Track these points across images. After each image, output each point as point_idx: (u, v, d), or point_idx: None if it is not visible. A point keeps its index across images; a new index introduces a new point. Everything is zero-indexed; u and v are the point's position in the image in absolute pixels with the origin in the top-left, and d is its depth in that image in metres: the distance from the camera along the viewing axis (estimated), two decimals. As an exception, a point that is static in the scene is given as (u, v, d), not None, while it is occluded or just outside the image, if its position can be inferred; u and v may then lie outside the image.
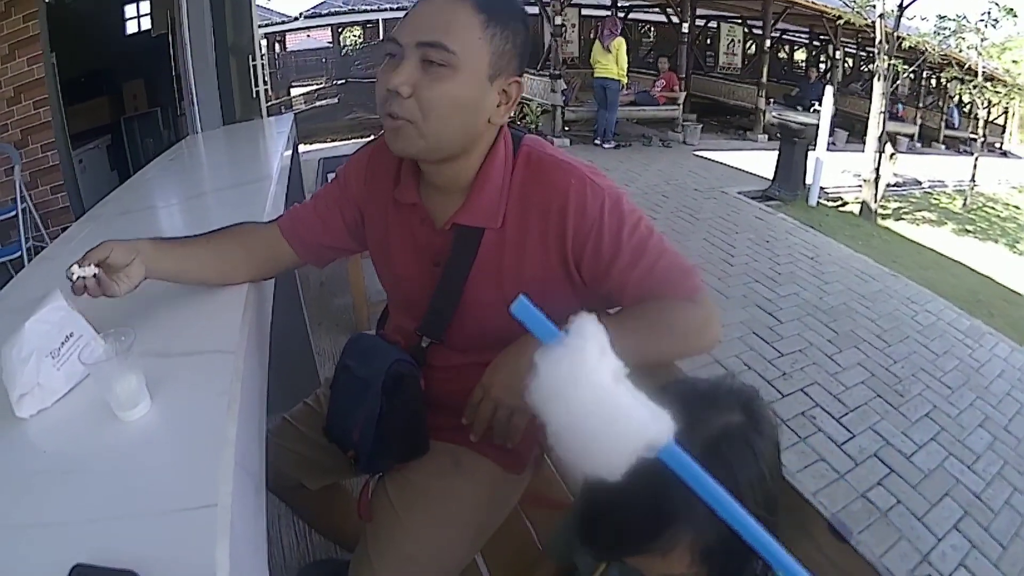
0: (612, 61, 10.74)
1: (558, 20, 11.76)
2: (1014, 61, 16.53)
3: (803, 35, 19.51)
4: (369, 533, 1.39)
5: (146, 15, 6.61)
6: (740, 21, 17.21)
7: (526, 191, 1.26)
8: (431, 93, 1.12)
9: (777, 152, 9.63)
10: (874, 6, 10.71)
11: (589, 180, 1.23)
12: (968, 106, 17.66)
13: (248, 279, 1.48)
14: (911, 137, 16.42)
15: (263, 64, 4.82)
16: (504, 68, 1.18)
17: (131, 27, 6.70)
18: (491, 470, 1.45)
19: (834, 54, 16.49)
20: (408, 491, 1.40)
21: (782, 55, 20.51)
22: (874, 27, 10.57)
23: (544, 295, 1.25)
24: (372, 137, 1.33)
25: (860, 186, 10.53)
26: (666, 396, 0.88)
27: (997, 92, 14.37)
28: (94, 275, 1.20)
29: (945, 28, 12.43)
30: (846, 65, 18.46)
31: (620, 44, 10.75)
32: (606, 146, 11.18)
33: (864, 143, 10.74)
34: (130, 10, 6.66)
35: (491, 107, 1.20)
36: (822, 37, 17.77)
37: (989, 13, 11.95)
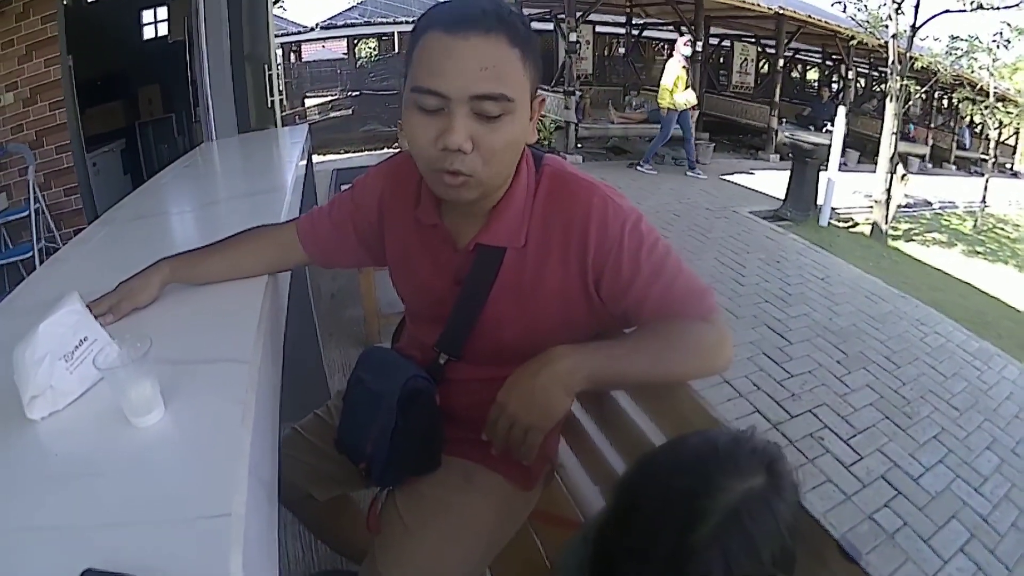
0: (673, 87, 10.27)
1: (573, 37, 11.72)
2: (1026, 81, 16.54)
3: (816, 55, 19.57)
4: (378, 545, 1.38)
5: (163, 21, 6.67)
6: (753, 40, 17.25)
7: (548, 209, 1.26)
8: (495, 143, 1.10)
9: (789, 172, 9.62)
10: (887, 26, 10.74)
11: (611, 200, 1.23)
12: (979, 127, 17.72)
13: (262, 273, 1.52)
14: (922, 158, 16.46)
15: (279, 74, 4.85)
16: (536, 89, 1.17)
17: (148, 32, 6.76)
18: (502, 486, 1.45)
19: (846, 74, 16.52)
20: (418, 504, 1.39)
21: (795, 74, 20.56)
22: (887, 47, 10.59)
23: (562, 311, 1.26)
24: (387, 151, 1.32)
25: (871, 207, 10.53)
26: (684, 454, 0.89)
27: (1008, 113, 14.42)
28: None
29: (957, 48, 12.46)
30: (858, 85, 18.49)
31: (668, 67, 10.34)
32: (689, 174, 10.87)
33: (876, 163, 10.74)
34: (148, 15, 6.72)
35: (529, 131, 1.19)
36: (835, 57, 17.85)
37: (1001, 34, 11.98)
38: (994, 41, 12.17)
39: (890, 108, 10.52)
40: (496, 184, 1.20)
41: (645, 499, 0.86)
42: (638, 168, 10.91)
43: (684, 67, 10.11)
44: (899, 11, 10.30)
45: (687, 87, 10.18)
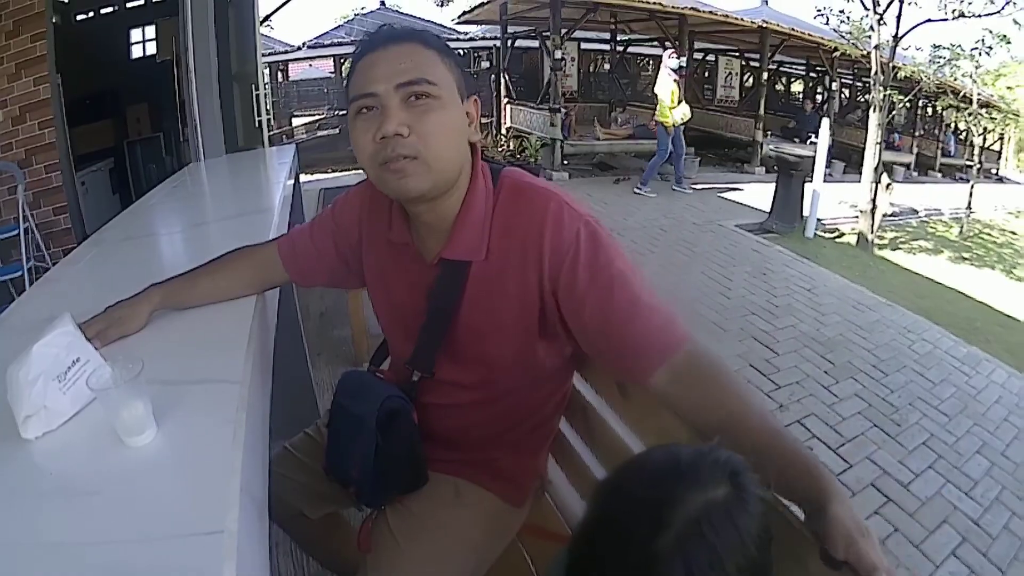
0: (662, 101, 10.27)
1: (558, 54, 11.76)
2: (1008, 87, 16.67)
3: (800, 67, 19.69)
4: (370, 563, 1.39)
5: (152, 40, 6.69)
6: (738, 54, 17.39)
7: (508, 219, 1.27)
8: (428, 124, 1.16)
9: (774, 184, 9.67)
10: (869, 37, 10.81)
11: (566, 205, 1.24)
12: (964, 133, 17.83)
13: (246, 294, 1.55)
14: (907, 166, 16.56)
15: (266, 93, 4.86)
16: (464, 90, 1.25)
17: (136, 51, 6.78)
18: (491, 501, 1.47)
19: (830, 85, 16.63)
20: (409, 521, 1.41)
21: (779, 87, 20.66)
22: (870, 58, 10.66)
23: (526, 324, 1.27)
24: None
25: (857, 217, 10.57)
26: (648, 467, 0.90)
27: (992, 119, 14.50)
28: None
29: (940, 57, 12.51)
30: (842, 96, 18.60)
31: (661, 83, 10.31)
32: (675, 188, 10.90)
33: (861, 174, 10.79)
34: (136, 35, 6.74)
35: (467, 127, 1.26)
36: (819, 69, 17.96)
37: (983, 41, 12.05)
38: (976, 48, 12.26)
39: (874, 118, 10.59)
40: (445, 173, 1.21)
41: (609, 511, 0.87)
42: (635, 191, 10.77)
43: (676, 80, 10.09)
44: (881, 22, 10.39)
45: (680, 101, 10.15)
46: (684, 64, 10.52)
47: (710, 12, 13.07)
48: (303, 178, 5.41)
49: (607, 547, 0.83)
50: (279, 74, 17.16)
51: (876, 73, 10.46)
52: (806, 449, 1.03)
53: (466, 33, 17.76)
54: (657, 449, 0.93)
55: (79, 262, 2.07)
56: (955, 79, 13.42)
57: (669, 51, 10.63)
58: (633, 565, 0.78)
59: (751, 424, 1.06)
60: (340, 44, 17.14)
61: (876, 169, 10.34)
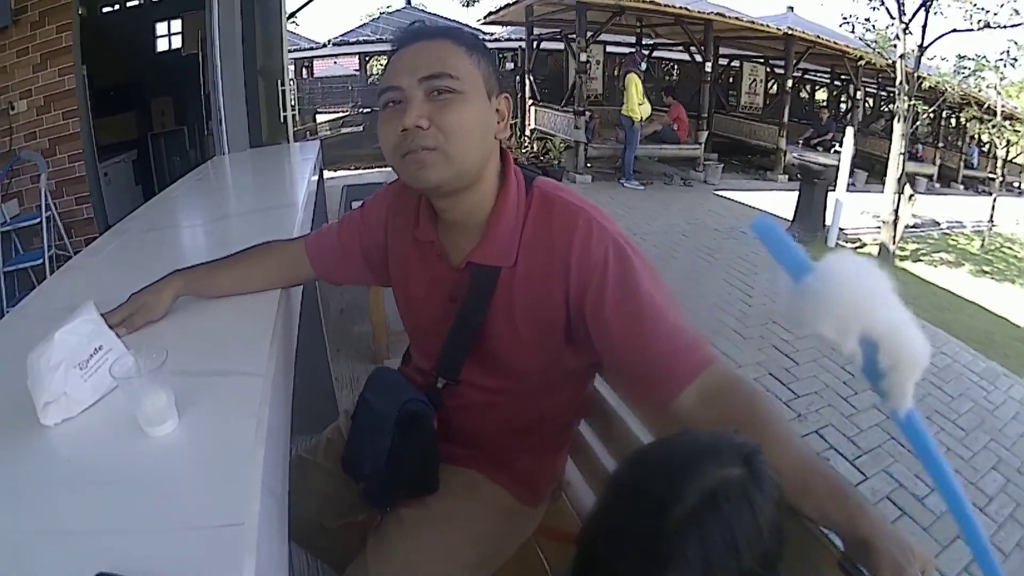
0: (628, 98, 10.78)
1: (583, 57, 11.79)
2: (1032, 100, 16.46)
3: (824, 75, 19.56)
4: (371, 542, 1.39)
5: (177, 34, 6.73)
6: (762, 61, 17.27)
7: (537, 230, 1.26)
8: (448, 117, 1.16)
9: (797, 192, 9.63)
10: (895, 46, 10.75)
11: (596, 222, 1.22)
12: (987, 146, 17.64)
13: (271, 288, 1.57)
14: (930, 177, 16.42)
15: (291, 89, 4.87)
16: (494, 87, 1.26)
17: (162, 44, 6.82)
18: (506, 499, 1.46)
19: (855, 94, 16.51)
20: (419, 509, 1.40)
21: (803, 95, 20.52)
22: (895, 67, 10.60)
23: (550, 335, 1.26)
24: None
25: (879, 227, 10.52)
26: (667, 448, 0.89)
27: (1016, 131, 14.35)
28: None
29: (964, 68, 12.40)
30: (866, 105, 18.46)
31: (629, 80, 10.76)
32: (626, 185, 11.17)
33: (884, 184, 10.73)
34: (162, 28, 6.78)
35: (494, 124, 1.26)
36: (843, 77, 17.82)
37: (1008, 52, 11.94)
38: (1001, 60, 12.15)
39: (898, 128, 10.53)
40: (466, 165, 1.21)
41: (626, 488, 0.86)
42: (623, 184, 11.16)
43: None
44: (907, 31, 10.33)
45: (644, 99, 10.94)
46: (645, 67, 11.26)
47: (736, 18, 13.00)
48: (327, 175, 5.43)
49: (618, 522, 0.82)
50: (304, 71, 17.22)
51: (901, 83, 10.41)
52: (842, 476, 1.00)
53: (491, 34, 17.72)
54: (674, 435, 0.92)
55: (102, 251, 2.08)
56: (979, 90, 13.31)
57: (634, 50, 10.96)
58: (645, 539, 0.76)
59: (786, 451, 0.99)
60: (365, 42, 17.16)
61: (899, 180, 10.27)
